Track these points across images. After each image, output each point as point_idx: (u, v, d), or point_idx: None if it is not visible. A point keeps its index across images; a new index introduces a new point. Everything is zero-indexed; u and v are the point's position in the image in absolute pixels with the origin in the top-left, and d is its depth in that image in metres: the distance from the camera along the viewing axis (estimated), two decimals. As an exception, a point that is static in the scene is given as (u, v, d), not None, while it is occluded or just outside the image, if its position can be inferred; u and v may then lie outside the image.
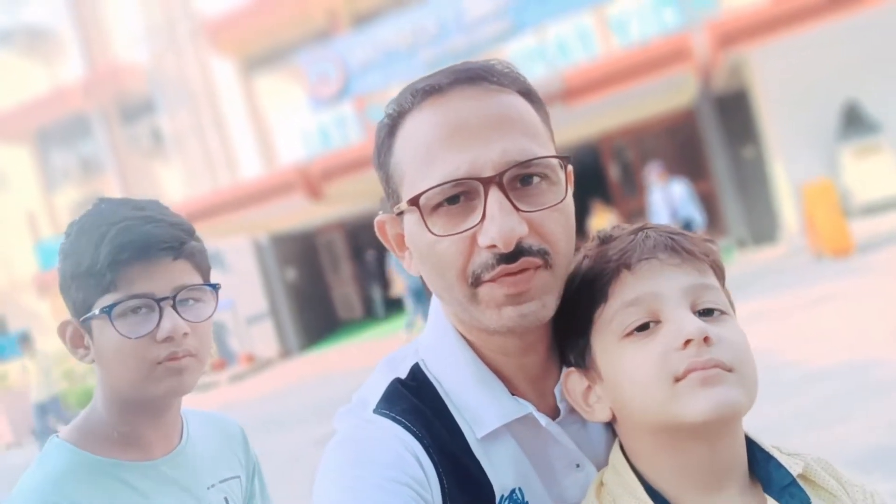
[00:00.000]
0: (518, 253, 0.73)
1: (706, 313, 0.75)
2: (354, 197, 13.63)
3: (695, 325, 0.71)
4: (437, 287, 0.80)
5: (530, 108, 0.80)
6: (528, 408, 0.81)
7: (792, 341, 5.59)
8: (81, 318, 1.06)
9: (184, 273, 1.07)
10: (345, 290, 17.99)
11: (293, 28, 15.17)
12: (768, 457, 0.79)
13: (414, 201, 0.75)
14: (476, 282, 0.75)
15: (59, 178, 19.19)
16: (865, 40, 10.31)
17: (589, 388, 0.81)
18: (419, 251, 0.80)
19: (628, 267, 0.77)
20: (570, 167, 0.86)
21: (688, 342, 0.71)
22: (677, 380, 0.71)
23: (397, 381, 0.84)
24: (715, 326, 0.73)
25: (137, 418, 1.10)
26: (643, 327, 0.75)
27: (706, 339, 0.71)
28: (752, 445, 0.80)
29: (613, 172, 14.21)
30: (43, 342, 18.09)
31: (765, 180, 11.95)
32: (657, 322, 0.75)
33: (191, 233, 1.10)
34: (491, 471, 0.79)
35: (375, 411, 0.81)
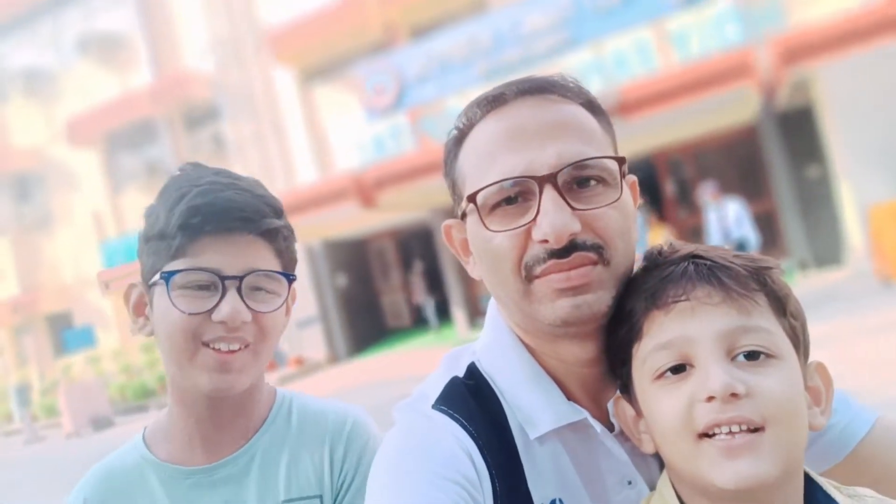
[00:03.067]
0: (571, 248, 0.74)
1: (752, 356, 0.70)
2: (406, 206, 13.74)
3: (720, 380, 0.67)
4: (493, 284, 0.82)
5: (591, 118, 0.82)
6: (583, 413, 0.80)
7: (855, 370, 5.35)
8: (149, 283, 0.97)
9: (261, 255, 0.97)
10: (394, 297, 18.10)
11: (351, 40, 15.45)
12: (829, 499, 0.75)
13: (472, 198, 0.78)
14: (529, 275, 0.76)
15: (126, 181, 19.96)
16: (942, 57, 9.84)
17: (637, 416, 0.79)
18: (478, 249, 0.82)
19: (660, 307, 0.74)
20: (634, 179, 0.86)
21: (712, 398, 0.67)
22: (701, 436, 0.68)
23: (457, 378, 0.85)
24: (753, 374, 0.68)
25: (195, 412, 0.98)
26: (678, 368, 0.72)
27: (734, 395, 0.67)
28: (811, 484, 0.76)
29: (669, 188, 13.92)
30: (105, 338, 18.79)
31: (829, 201, 11.50)
32: (692, 366, 0.71)
33: (277, 212, 1.00)
34: (533, 477, 0.79)
35: (434, 407, 0.82)
